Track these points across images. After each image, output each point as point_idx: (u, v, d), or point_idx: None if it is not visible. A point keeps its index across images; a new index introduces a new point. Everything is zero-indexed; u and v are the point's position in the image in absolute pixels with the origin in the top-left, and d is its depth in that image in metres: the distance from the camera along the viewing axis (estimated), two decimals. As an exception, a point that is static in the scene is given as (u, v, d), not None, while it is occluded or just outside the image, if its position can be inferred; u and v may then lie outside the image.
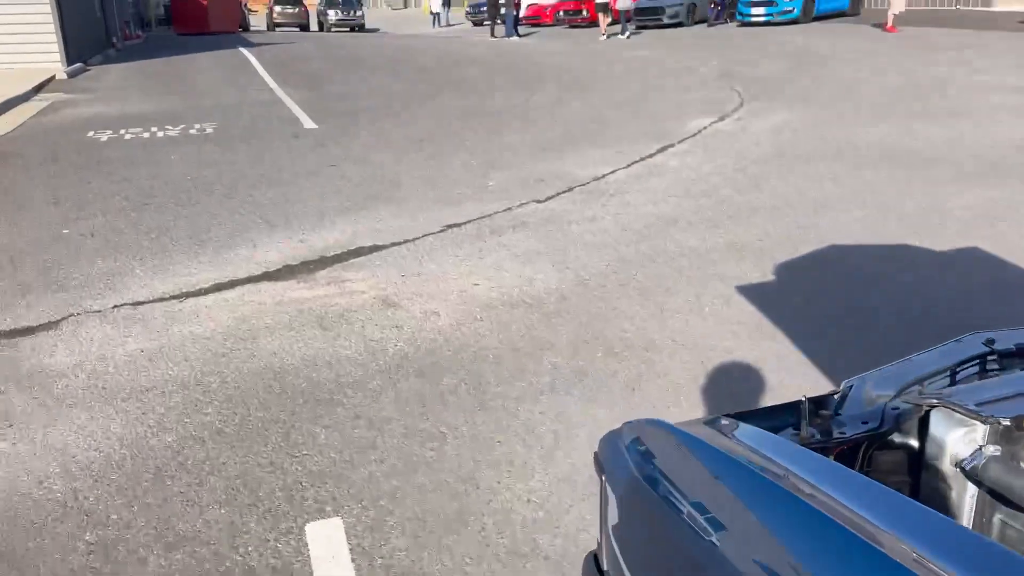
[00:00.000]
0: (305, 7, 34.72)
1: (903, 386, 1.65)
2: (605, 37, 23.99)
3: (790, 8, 23.40)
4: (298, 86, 13.85)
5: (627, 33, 23.86)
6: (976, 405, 1.41)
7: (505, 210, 6.37)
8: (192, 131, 10.04)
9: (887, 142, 7.95)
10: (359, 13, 34.23)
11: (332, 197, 6.90)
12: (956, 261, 4.89)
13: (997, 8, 24.32)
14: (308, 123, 10.43)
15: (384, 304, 4.64)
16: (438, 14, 34.50)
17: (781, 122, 9.36)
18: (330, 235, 5.89)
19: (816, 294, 4.60)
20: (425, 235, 5.84)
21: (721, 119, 9.79)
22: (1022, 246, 4.97)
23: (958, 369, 1.72)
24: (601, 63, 17.28)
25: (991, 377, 1.69)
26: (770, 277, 4.83)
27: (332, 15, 33.69)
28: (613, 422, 1.92)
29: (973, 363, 1.72)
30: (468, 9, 35.49)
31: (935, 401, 1.48)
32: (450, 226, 6.02)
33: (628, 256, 5.25)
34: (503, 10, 25.95)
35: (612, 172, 7.40)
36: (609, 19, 24.33)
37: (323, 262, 5.36)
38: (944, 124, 8.64)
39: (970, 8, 24.59)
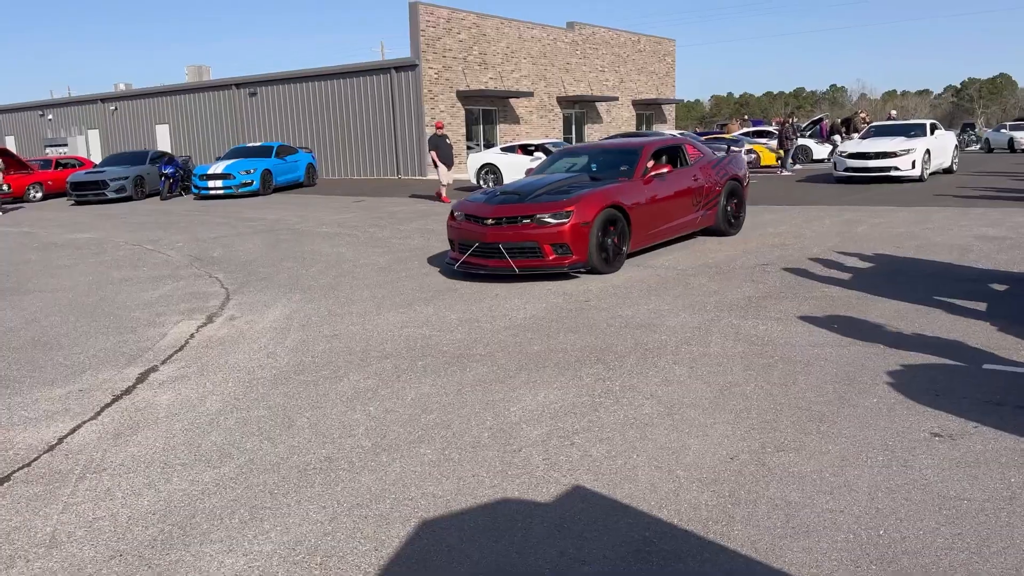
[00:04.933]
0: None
1: None
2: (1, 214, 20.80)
3: (249, 181, 22.80)
4: None
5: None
6: None
7: None
8: None
9: (410, 335, 7.04)
10: None
11: None
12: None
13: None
14: None
15: None
16: None
17: (283, 318, 7.93)
18: None
19: None
20: None
21: (210, 320, 7.98)
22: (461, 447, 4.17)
23: None
24: (32, 247, 14.16)
25: None
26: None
27: None
28: None
29: None
30: None
31: None
32: None
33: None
34: None
35: (74, 431, 5.02)
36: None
37: None
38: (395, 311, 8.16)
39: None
